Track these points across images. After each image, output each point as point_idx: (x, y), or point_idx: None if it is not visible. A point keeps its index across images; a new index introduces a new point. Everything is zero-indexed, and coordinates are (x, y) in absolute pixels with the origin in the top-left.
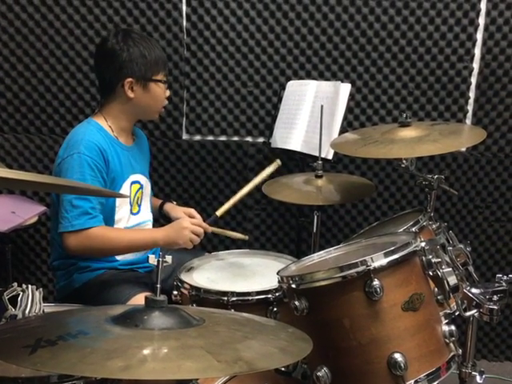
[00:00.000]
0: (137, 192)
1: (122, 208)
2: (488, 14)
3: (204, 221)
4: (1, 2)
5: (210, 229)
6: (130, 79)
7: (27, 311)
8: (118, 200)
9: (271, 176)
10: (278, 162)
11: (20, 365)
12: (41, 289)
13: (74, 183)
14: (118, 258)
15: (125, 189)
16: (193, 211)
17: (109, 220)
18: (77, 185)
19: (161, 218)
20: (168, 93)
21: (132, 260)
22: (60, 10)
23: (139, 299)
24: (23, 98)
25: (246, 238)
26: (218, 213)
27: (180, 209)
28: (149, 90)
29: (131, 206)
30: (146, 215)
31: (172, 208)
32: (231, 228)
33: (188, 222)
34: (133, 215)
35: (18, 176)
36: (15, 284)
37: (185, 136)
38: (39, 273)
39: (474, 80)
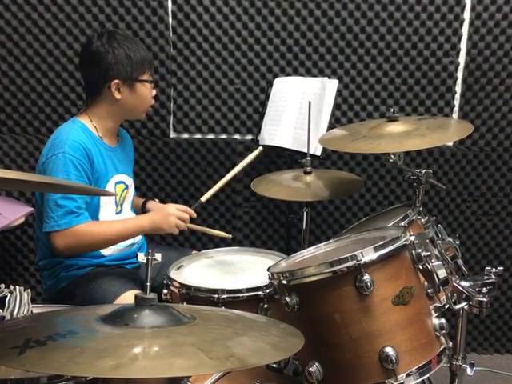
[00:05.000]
0: (122, 192)
1: (106, 208)
2: (473, 8)
3: (189, 207)
4: None
5: (195, 214)
6: (116, 81)
7: (15, 312)
8: (102, 200)
9: (257, 172)
10: (261, 148)
11: (9, 366)
12: (29, 290)
13: (60, 181)
14: (105, 253)
15: (109, 189)
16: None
17: (93, 220)
18: (63, 183)
19: None
20: (154, 92)
21: (119, 256)
22: (44, 8)
23: (128, 297)
24: (8, 98)
25: (230, 236)
26: (203, 198)
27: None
28: (135, 91)
29: (116, 206)
30: (128, 214)
31: (154, 206)
32: (220, 226)
33: (173, 208)
34: (116, 215)
35: (3, 174)
36: (3, 285)
37: (172, 134)
38: (27, 274)
39: (460, 74)
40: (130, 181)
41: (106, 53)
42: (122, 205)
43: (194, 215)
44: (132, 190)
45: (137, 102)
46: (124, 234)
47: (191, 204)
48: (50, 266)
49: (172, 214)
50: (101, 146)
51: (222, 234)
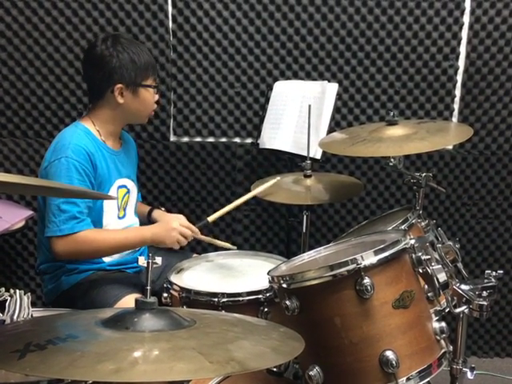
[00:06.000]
0: (124, 196)
1: (109, 213)
2: (472, 12)
3: (194, 225)
4: None
5: (199, 235)
6: (119, 85)
7: (15, 316)
8: (105, 205)
9: (256, 175)
10: (278, 178)
11: (9, 370)
12: (29, 294)
13: (60, 185)
14: (106, 258)
15: (112, 193)
16: (182, 218)
17: (97, 225)
18: (63, 187)
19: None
20: (157, 97)
21: (120, 260)
22: (44, 12)
23: (128, 300)
24: (8, 102)
25: (235, 248)
26: (210, 219)
27: (169, 215)
28: (138, 95)
29: (118, 210)
30: (131, 219)
31: (161, 215)
32: (220, 230)
33: (177, 223)
34: (119, 219)
35: (3, 178)
36: (3, 289)
37: (172, 138)
38: (27, 278)
39: (459, 78)
40: (131, 185)
41: (111, 57)
42: (124, 209)
43: (199, 234)
44: (134, 193)
45: (139, 106)
46: (125, 244)
47: (194, 214)
48: (52, 269)
49: (175, 229)
50: (104, 150)
51: (228, 245)
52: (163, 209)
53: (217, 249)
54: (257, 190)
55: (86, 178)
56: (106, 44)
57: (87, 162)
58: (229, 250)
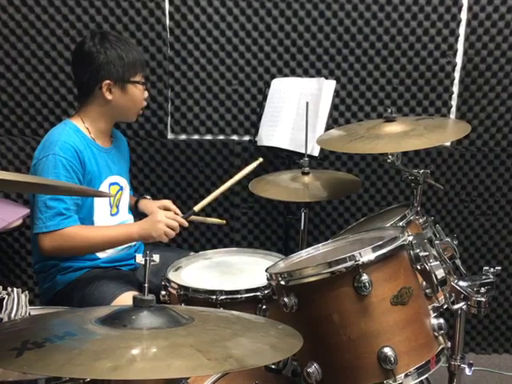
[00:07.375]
0: (117, 193)
1: (100, 209)
2: (470, 9)
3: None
4: None
5: (186, 223)
6: (107, 81)
7: (13, 314)
8: (96, 202)
9: (255, 173)
10: (260, 159)
11: (6, 368)
12: (26, 292)
13: (58, 183)
14: (100, 255)
15: (103, 190)
16: (167, 203)
17: (87, 221)
18: (61, 184)
19: (138, 216)
20: (146, 94)
21: (114, 257)
22: (41, 10)
23: (125, 298)
24: (5, 100)
25: (224, 222)
26: (196, 208)
27: (155, 203)
28: (127, 92)
29: (111, 207)
30: (124, 216)
31: (147, 203)
32: (218, 226)
33: (162, 216)
34: (112, 216)
35: (1, 176)
36: (0, 287)
37: (170, 135)
38: (25, 276)
39: (457, 75)
40: (124, 182)
41: (98, 53)
42: (117, 206)
43: (186, 224)
44: (127, 191)
45: (128, 103)
46: (112, 240)
47: (184, 212)
48: (46, 268)
49: (161, 222)
50: (93, 148)
51: (217, 220)
52: (149, 197)
53: (215, 246)
54: (239, 175)
55: (73, 175)
56: (94, 41)
57: (75, 159)
58: (219, 224)
